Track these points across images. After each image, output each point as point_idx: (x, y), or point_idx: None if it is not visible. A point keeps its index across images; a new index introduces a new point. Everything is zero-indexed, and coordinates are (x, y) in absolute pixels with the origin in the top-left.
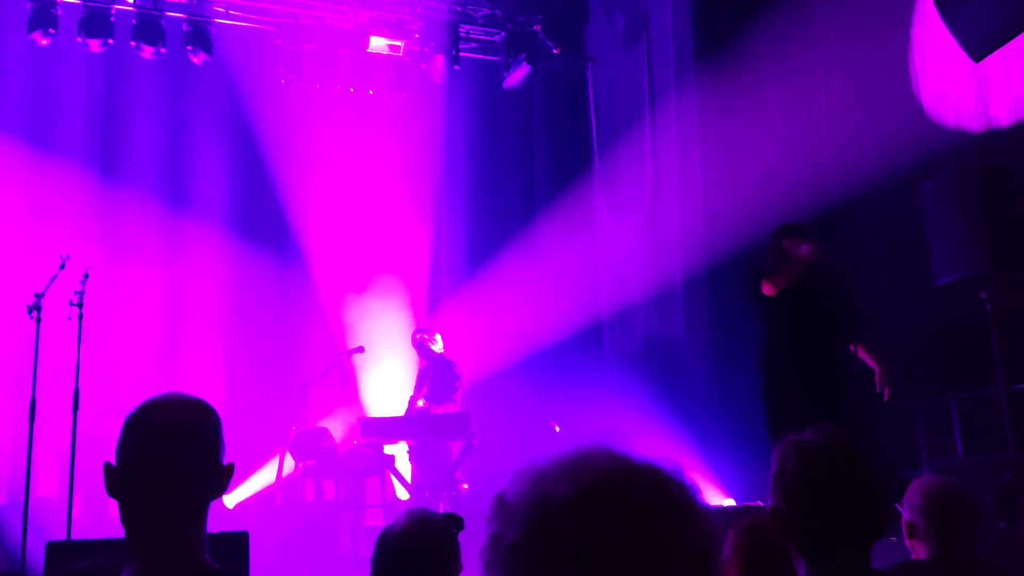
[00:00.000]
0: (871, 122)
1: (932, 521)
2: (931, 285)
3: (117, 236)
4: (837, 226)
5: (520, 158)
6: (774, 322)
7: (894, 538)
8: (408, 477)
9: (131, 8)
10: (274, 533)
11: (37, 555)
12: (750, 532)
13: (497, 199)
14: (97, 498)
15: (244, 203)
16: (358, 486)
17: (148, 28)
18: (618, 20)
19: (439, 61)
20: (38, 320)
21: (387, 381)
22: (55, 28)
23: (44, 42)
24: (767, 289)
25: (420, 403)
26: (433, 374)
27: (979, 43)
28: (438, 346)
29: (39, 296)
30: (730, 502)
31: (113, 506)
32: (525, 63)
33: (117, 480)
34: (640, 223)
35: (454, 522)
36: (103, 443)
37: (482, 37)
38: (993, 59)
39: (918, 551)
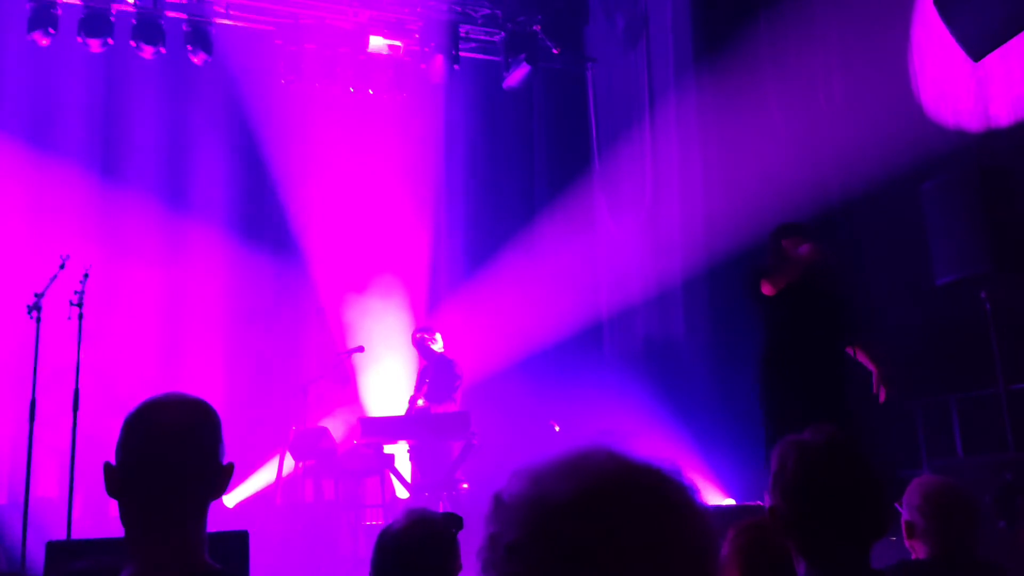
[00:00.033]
0: (871, 122)
1: (932, 521)
2: (931, 285)
3: (117, 236)
4: (837, 226)
5: (520, 158)
6: (774, 322)
7: (894, 538)
8: (408, 477)
9: (131, 8)
10: (274, 533)
11: (37, 555)
12: (750, 532)
13: (497, 199)
14: (97, 498)
15: (244, 203)
16: (358, 486)
17: (148, 28)
18: (618, 20)
19: (439, 61)
20: (38, 320)
21: (387, 381)
22: (55, 28)
23: (44, 42)
24: (767, 289)
25: (420, 402)
26: (433, 373)
27: (979, 43)
28: (438, 345)
29: (39, 296)
30: (730, 502)
31: (113, 506)
32: (525, 63)
33: (117, 480)
34: (640, 223)
35: (453, 522)
36: (103, 443)
37: (482, 37)
38: (993, 59)
39: (917, 551)
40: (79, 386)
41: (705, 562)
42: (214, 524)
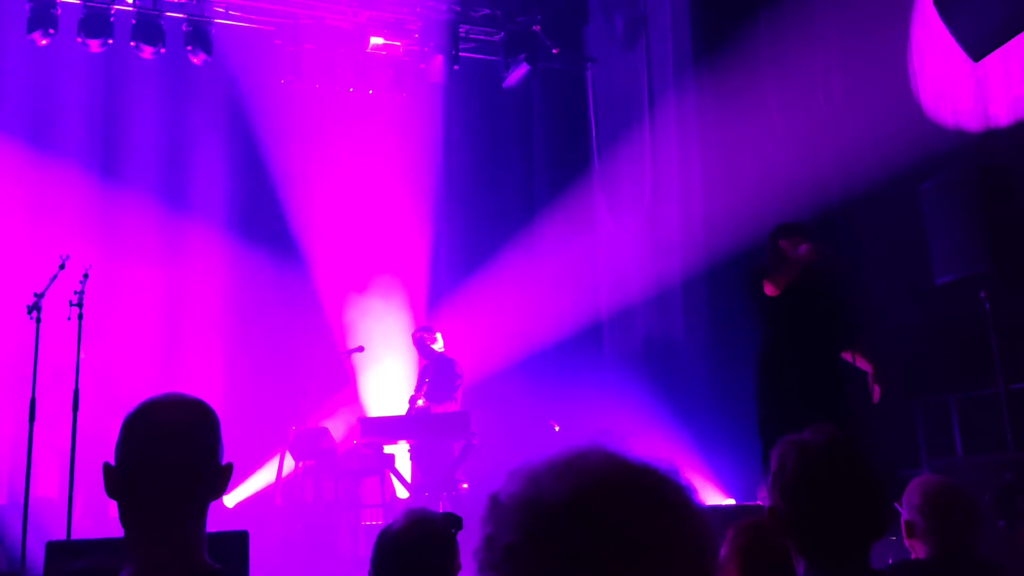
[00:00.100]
0: (871, 122)
1: (931, 520)
2: (931, 285)
3: (117, 236)
4: (837, 226)
5: (520, 158)
6: (772, 322)
7: (894, 538)
8: (408, 477)
9: (131, 8)
10: (274, 533)
11: (37, 555)
12: (749, 532)
13: (497, 199)
14: (97, 498)
15: (244, 203)
16: (358, 486)
17: (148, 28)
18: (617, 20)
19: (438, 61)
20: (38, 320)
21: (387, 381)
22: (55, 28)
23: (44, 42)
24: (769, 290)
25: (420, 402)
26: (433, 373)
27: (978, 43)
28: (438, 345)
29: (39, 296)
30: (730, 502)
31: (113, 506)
32: (524, 63)
33: (116, 480)
34: (640, 223)
35: (453, 522)
36: (103, 443)
37: (481, 37)
38: (992, 59)
39: (917, 550)
40: (79, 386)
41: (703, 562)
42: (214, 524)
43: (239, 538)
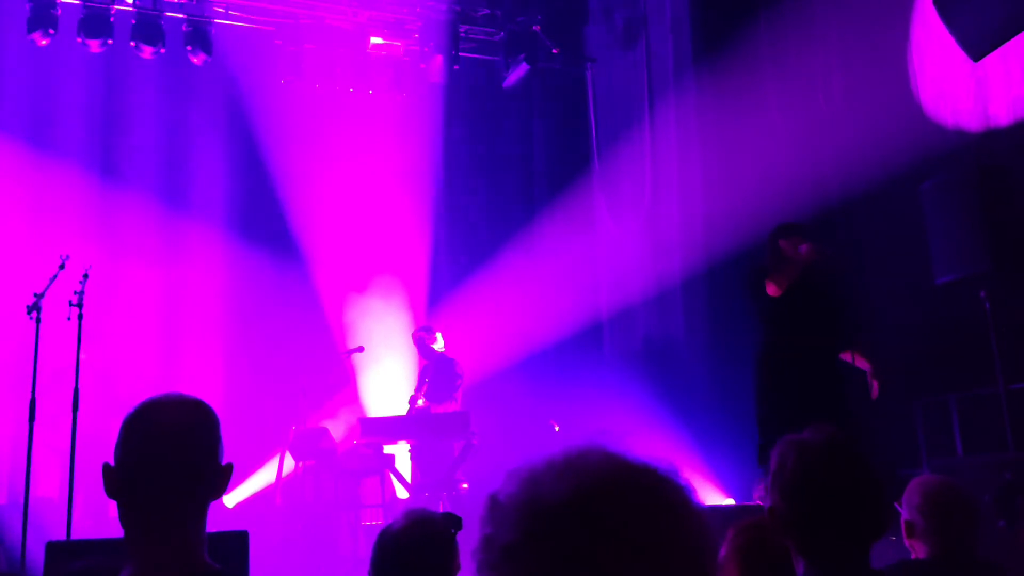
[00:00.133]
0: (871, 122)
1: (931, 520)
2: (931, 284)
3: (117, 236)
4: (837, 226)
5: (520, 158)
6: (772, 322)
7: (894, 538)
8: (408, 477)
9: (131, 8)
10: (274, 533)
11: (37, 555)
12: (749, 532)
13: (497, 199)
14: (97, 498)
15: (244, 203)
16: (358, 486)
17: (148, 28)
18: (617, 20)
19: (438, 61)
20: (38, 320)
21: (387, 381)
22: (55, 28)
23: (44, 42)
24: (771, 289)
25: (420, 402)
26: (433, 373)
27: (978, 42)
28: (439, 344)
29: (39, 296)
30: (729, 502)
31: (113, 506)
32: (524, 63)
33: (116, 480)
34: (640, 223)
35: (453, 522)
36: (103, 443)
37: (481, 37)
38: (992, 58)
39: (917, 550)
40: (79, 386)
41: (703, 562)
42: (214, 524)
43: (239, 538)
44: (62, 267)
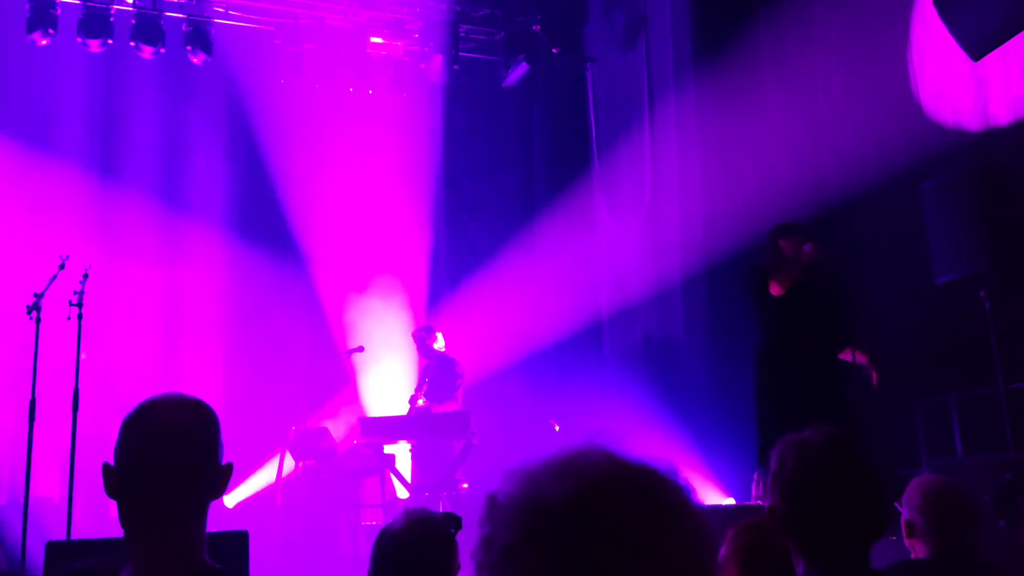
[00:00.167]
0: (871, 122)
1: (931, 520)
2: (931, 284)
3: (117, 236)
4: (837, 226)
5: (520, 158)
6: (772, 321)
7: (894, 538)
8: (408, 477)
9: (130, 8)
10: (274, 533)
11: (37, 555)
12: (749, 531)
13: (497, 199)
14: (97, 498)
15: (244, 203)
16: (358, 486)
17: (148, 28)
18: (617, 20)
19: (438, 61)
20: (38, 320)
21: (387, 381)
22: (55, 28)
23: (44, 42)
24: (775, 289)
25: (421, 402)
26: (434, 373)
27: (978, 42)
28: (439, 344)
29: (39, 296)
30: (729, 502)
31: (113, 506)
32: (524, 63)
33: (116, 480)
34: (640, 223)
35: (453, 522)
36: (103, 443)
37: (481, 37)
38: (992, 58)
39: (917, 550)
40: (79, 386)
41: (702, 562)
42: (214, 524)
43: (239, 538)
44: (62, 267)
